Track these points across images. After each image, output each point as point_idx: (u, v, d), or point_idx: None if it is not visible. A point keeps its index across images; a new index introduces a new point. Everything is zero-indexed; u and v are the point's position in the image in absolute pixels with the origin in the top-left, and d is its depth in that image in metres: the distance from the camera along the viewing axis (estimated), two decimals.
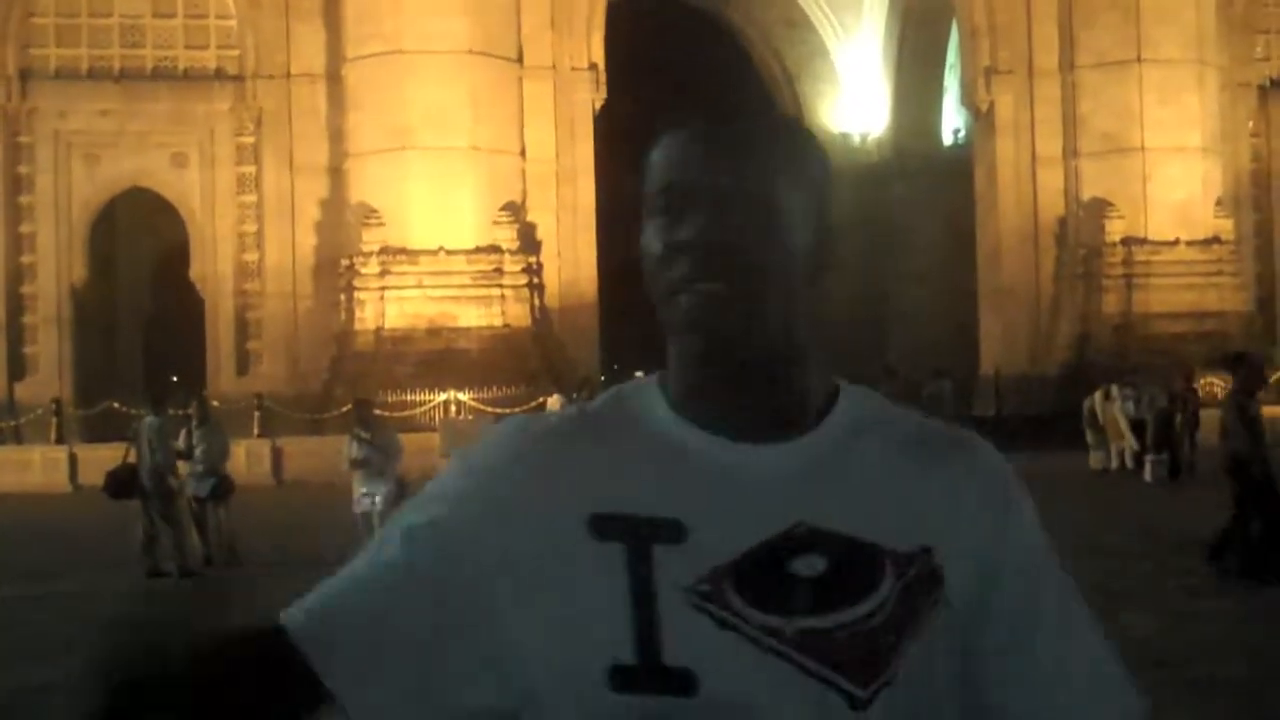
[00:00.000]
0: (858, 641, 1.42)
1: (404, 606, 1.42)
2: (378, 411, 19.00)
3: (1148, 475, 25.63)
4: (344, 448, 16.15)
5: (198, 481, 17.07)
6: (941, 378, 30.78)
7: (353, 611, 1.43)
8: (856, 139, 52.43)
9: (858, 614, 1.42)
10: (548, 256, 37.36)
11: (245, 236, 38.38)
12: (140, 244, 42.69)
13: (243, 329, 38.26)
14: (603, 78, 38.95)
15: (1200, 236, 39.66)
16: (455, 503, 1.48)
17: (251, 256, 38.34)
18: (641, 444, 1.48)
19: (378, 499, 15.33)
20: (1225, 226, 40.37)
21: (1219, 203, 40.48)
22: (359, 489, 15.64)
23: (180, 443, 17.27)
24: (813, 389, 1.52)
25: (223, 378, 36.83)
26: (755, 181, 1.47)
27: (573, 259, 38.10)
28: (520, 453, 1.49)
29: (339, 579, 1.47)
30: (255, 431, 31.62)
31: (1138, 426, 26.95)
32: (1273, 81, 44.73)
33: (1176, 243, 39.25)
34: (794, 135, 1.55)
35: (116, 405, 31.87)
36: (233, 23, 38.66)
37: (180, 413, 18.71)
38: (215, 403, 27.26)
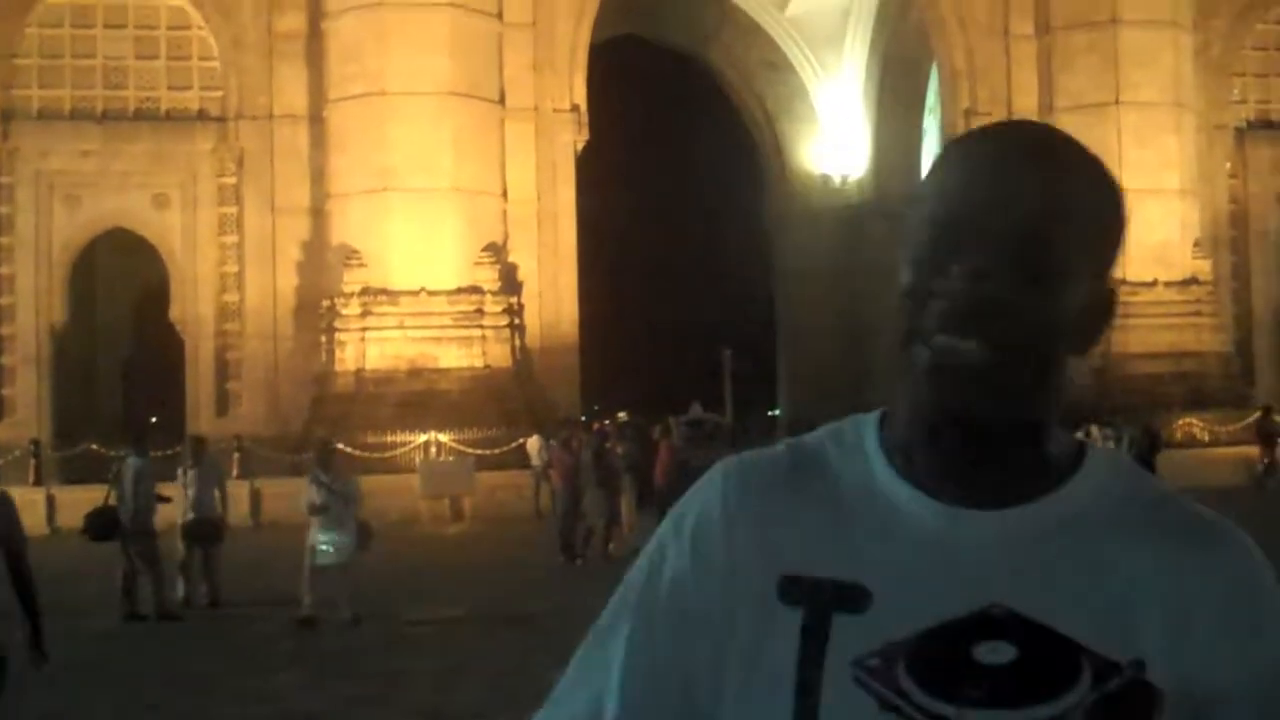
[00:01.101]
0: None
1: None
2: (355, 450, 18.82)
3: None
4: (303, 491, 15.72)
5: (187, 523, 16.95)
6: None
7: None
8: (837, 180, 52.61)
9: (1040, 716, 1.25)
10: (529, 297, 37.36)
11: (226, 277, 38.32)
12: (120, 285, 42.61)
13: (222, 370, 38.14)
14: (585, 119, 39.07)
15: (1178, 277, 39.87)
16: (670, 572, 1.38)
17: (232, 297, 38.27)
18: (845, 497, 1.36)
19: (335, 550, 15.01)
20: (1203, 267, 40.59)
21: (1197, 244, 40.71)
22: (316, 537, 15.14)
23: (178, 484, 17.23)
24: (1049, 457, 1.35)
25: (202, 418, 36.68)
26: (1042, 225, 1.29)
27: (554, 300, 38.11)
28: (724, 502, 1.37)
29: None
30: (234, 473, 31.48)
31: None
32: (1250, 124, 45.09)
33: (1155, 284, 39.44)
34: (1091, 167, 1.37)
35: (95, 447, 31.71)
36: (215, 64, 38.71)
37: (161, 454, 18.64)
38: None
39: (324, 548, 15.04)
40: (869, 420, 1.41)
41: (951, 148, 1.37)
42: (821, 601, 1.30)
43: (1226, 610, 1.31)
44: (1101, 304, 1.35)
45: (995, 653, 1.27)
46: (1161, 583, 1.30)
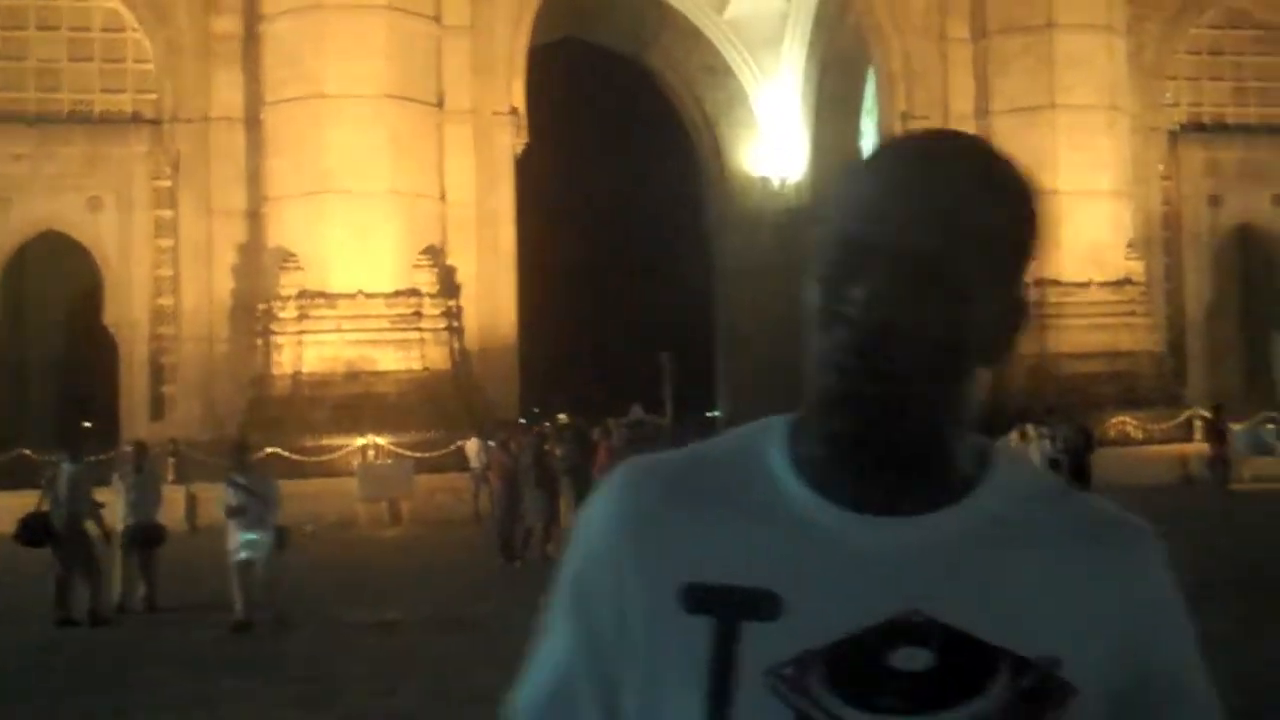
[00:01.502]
0: None
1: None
2: (292, 454, 18.71)
3: None
4: (214, 494, 15.59)
5: (128, 528, 16.81)
6: None
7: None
8: (776, 183, 52.82)
9: (954, 719, 1.25)
10: (468, 300, 37.26)
11: (161, 280, 38.00)
12: (53, 288, 42.10)
13: (157, 374, 37.81)
14: (524, 122, 39.04)
15: (1112, 278, 40.31)
16: (567, 579, 1.40)
17: (167, 301, 37.95)
18: (752, 504, 1.34)
19: (255, 549, 14.89)
20: (1136, 268, 41.06)
21: (1130, 245, 41.17)
22: (235, 538, 15.02)
23: (114, 488, 17.09)
24: (955, 464, 1.35)
25: (137, 423, 36.33)
26: (943, 245, 1.28)
27: (492, 303, 38.04)
28: (621, 511, 1.37)
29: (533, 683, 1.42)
30: (170, 477, 31.19)
31: (1054, 465, 27.27)
32: (1182, 126, 45.66)
33: (1089, 284, 39.85)
34: (1002, 179, 1.36)
35: (27, 452, 31.33)
36: (150, 67, 38.38)
37: (95, 459, 18.49)
38: (128, 448, 26.92)
39: (243, 550, 14.92)
40: (777, 426, 1.40)
41: (860, 163, 1.36)
42: (731, 609, 1.28)
43: (1131, 613, 1.33)
44: (1012, 313, 1.36)
45: (912, 659, 1.26)
46: (1070, 583, 1.31)
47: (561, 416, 36.36)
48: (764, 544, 1.31)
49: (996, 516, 1.33)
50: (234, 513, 15.12)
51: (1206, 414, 37.89)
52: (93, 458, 18.69)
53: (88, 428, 36.28)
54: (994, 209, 1.33)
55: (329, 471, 30.92)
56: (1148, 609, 1.34)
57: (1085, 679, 1.29)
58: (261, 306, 35.49)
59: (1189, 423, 38.04)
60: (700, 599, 1.30)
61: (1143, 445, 36.53)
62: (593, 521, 1.38)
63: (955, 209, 1.30)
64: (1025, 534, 1.33)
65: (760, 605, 1.28)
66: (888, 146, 1.38)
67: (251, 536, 14.96)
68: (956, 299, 1.29)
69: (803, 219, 51.62)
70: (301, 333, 34.68)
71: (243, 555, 14.93)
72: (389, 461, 31.83)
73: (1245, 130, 46.14)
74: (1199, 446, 36.09)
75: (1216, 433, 32.34)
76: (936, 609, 1.28)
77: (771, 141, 52.77)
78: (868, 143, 49.93)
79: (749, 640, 1.27)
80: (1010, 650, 1.27)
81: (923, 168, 1.33)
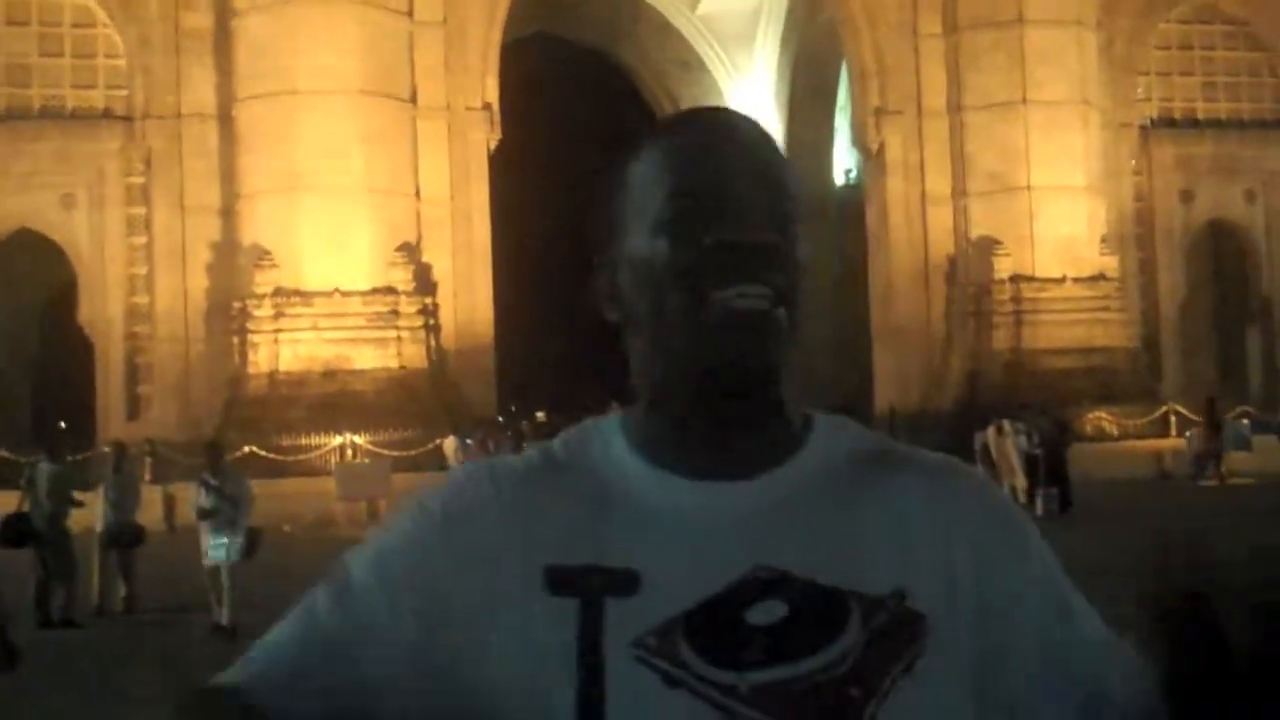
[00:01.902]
0: (820, 695, 1.29)
1: (340, 670, 1.35)
2: (269, 453, 18.63)
3: (1039, 508, 26.00)
4: (192, 495, 15.40)
5: (108, 528, 16.73)
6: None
7: (292, 679, 1.35)
8: None
9: (817, 665, 1.30)
10: (444, 297, 37.20)
11: (135, 279, 37.83)
12: (27, 287, 41.89)
13: (133, 373, 37.65)
14: (497, 118, 38.97)
15: (1086, 273, 40.47)
16: (406, 554, 1.38)
17: (142, 299, 37.78)
18: (600, 490, 1.38)
19: (228, 552, 14.80)
20: (1110, 264, 41.22)
21: (1103, 240, 41.34)
22: (207, 540, 14.73)
23: (98, 490, 17.01)
24: (791, 418, 1.41)
25: (112, 422, 36.18)
26: (782, 183, 1.38)
27: (469, 299, 37.97)
28: (480, 499, 1.39)
29: (277, 642, 1.38)
30: (147, 477, 31.07)
31: (1031, 460, 27.34)
32: (1153, 121, 45.87)
33: (1063, 280, 40.00)
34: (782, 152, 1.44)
35: (3, 453, 31.18)
36: (121, 62, 38.20)
37: (70, 459, 18.40)
38: (106, 449, 26.80)
39: (215, 549, 14.77)
40: (611, 420, 1.44)
41: (662, 134, 1.41)
42: (592, 588, 1.32)
43: (980, 526, 1.38)
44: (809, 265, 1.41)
45: (767, 613, 1.30)
46: (903, 520, 1.36)
47: (540, 414, 36.35)
48: (616, 525, 1.35)
49: (828, 468, 1.38)
50: (205, 514, 14.97)
51: (1181, 408, 38.11)
52: (71, 457, 18.60)
53: (63, 428, 36.11)
54: (790, 166, 1.41)
55: (306, 471, 30.83)
56: (997, 532, 1.39)
57: (934, 609, 1.33)
58: (237, 305, 35.37)
59: (1165, 418, 38.22)
60: (562, 580, 1.32)
61: (1118, 441, 36.69)
62: (446, 515, 1.39)
63: (778, 159, 1.39)
64: (855, 481, 1.38)
65: (619, 582, 1.31)
66: (682, 118, 1.44)
67: (221, 539, 14.77)
68: (798, 236, 1.36)
69: None
70: (277, 331, 34.58)
71: (211, 559, 14.78)
72: (366, 460, 31.73)
73: (1216, 125, 46.39)
74: (1175, 442, 36.28)
75: (1212, 425, 32.41)
76: (784, 562, 1.32)
77: None
78: (841, 138, 50.04)
79: (613, 616, 1.31)
80: (859, 591, 1.32)
81: (736, 127, 1.40)
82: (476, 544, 1.37)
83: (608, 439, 1.42)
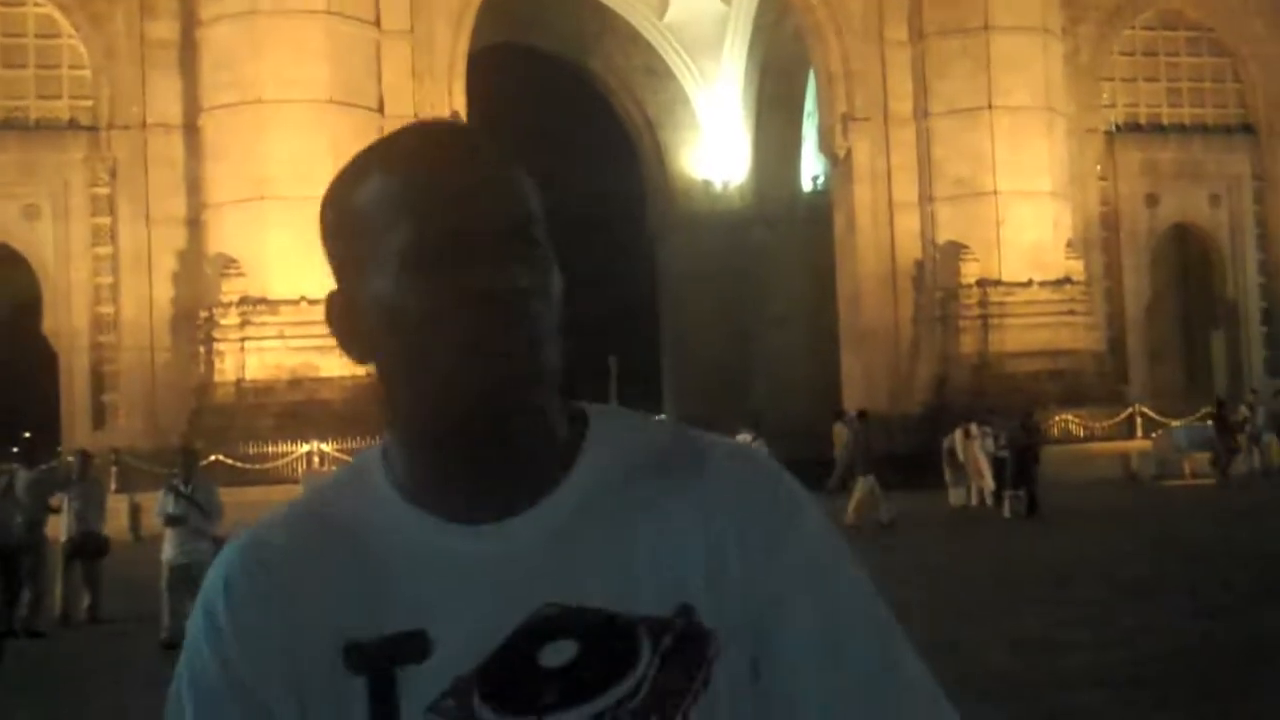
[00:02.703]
0: None
1: None
2: (236, 462, 18.51)
3: (1006, 511, 26.13)
4: (159, 501, 15.10)
5: (72, 538, 16.62)
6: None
7: None
8: (718, 186, 52.95)
9: (611, 700, 1.25)
10: None
11: (101, 289, 37.63)
12: None
13: (98, 383, 37.44)
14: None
15: (1052, 277, 40.63)
16: (198, 666, 1.33)
17: (107, 309, 37.59)
18: (371, 545, 1.31)
19: (190, 558, 14.08)
20: (1076, 268, 41.42)
21: (1069, 244, 41.53)
22: (170, 549, 14.53)
23: (59, 498, 16.92)
24: (555, 434, 1.34)
25: (78, 432, 35.97)
26: (522, 209, 1.30)
27: None
28: (255, 591, 1.32)
29: None
30: (113, 487, 30.91)
31: (998, 464, 27.47)
32: (1118, 127, 46.12)
33: (1029, 284, 40.15)
34: (503, 150, 1.34)
35: None
36: (86, 72, 38.00)
37: (42, 469, 18.36)
38: (69, 458, 26.72)
39: (180, 557, 14.43)
40: (371, 457, 1.37)
41: (388, 158, 1.31)
42: (381, 660, 1.26)
43: (751, 517, 1.32)
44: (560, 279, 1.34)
45: (559, 653, 1.26)
46: (676, 530, 1.31)
47: None
48: (393, 582, 1.29)
49: (600, 487, 1.32)
50: (172, 521, 14.75)
51: (1147, 410, 38.34)
52: (43, 466, 18.58)
53: (28, 437, 35.88)
54: (523, 177, 1.33)
55: (273, 479, 30.72)
56: (767, 520, 1.33)
57: (718, 619, 1.29)
58: (203, 314, 35.23)
59: (1130, 420, 38.44)
60: (354, 657, 1.27)
61: (1085, 443, 36.88)
62: (228, 611, 1.32)
63: (513, 176, 1.31)
64: (630, 497, 1.32)
65: (410, 648, 1.26)
66: (397, 139, 1.34)
67: (187, 548, 14.48)
68: (548, 263, 1.30)
69: (746, 221, 51.79)
70: (244, 339, 34.45)
71: (180, 561, 14.43)
72: (334, 468, 31.62)
73: (1181, 130, 46.65)
74: (1141, 443, 36.51)
75: (1223, 424, 32.56)
76: (568, 596, 1.27)
77: (713, 144, 52.89)
78: (809, 146, 50.17)
79: (408, 683, 1.26)
80: (647, 615, 1.27)
81: (461, 145, 1.32)
82: (258, 636, 1.30)
83: (367, 480, 1.35)
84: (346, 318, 1.33)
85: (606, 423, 1.38)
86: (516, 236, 1.29)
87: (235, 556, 1.35)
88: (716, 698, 1.27)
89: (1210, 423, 33.54)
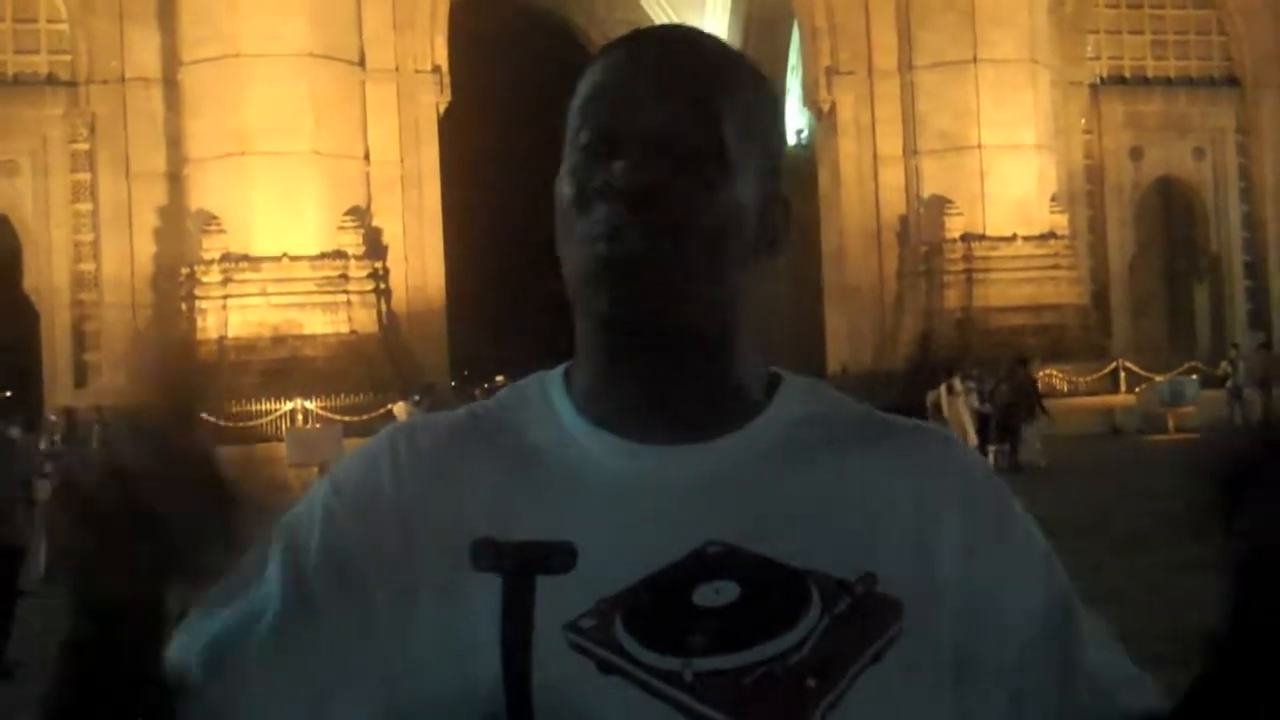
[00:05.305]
0: (771, 686, 1.16)
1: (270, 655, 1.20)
2: (219, 420, 18.50)
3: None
4: None
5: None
6: None
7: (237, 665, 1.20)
8: None
9: (770, 653, 1.17)
10: (394, 261, 36.99)
11: (81, 246, 37.43)
12: None
13: (80, 341, 37.30)
14: (447, 80, 38.69)
15: (1036, 232, 40.64)
16: (323, 529, 1.25)
17: (88, 266, 37.39)
18: (535, 452, 1.26)
19: None
20: (1060, 222, 41.42)
21: (1054, 199, 41.52)
22: None
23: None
24: (743, 381, 1.28)
25: (60, 391, 35.84)
26: (698, 123, 1.23)
27: (420, 263, 37.79)
28: (399, 466, 1.26)
29: (216, 621, 1.22)
30: (96, 446, 30.83)
31: (982, 419, 27.51)
32: (1103, 80, 46.03)
33: (1014, 238, 40.15)
34: (746, 73, 1.29)
35: None
36: (64, 26, 37.66)
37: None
38: (53, 417, 26.63)
39: None
40: (553, 374, 1.32)
41: (603, 56, 1.30)
42: (521, 565, 1.19)
43: (964, 502, 1.26)
44: (778, 206, 1.29)
45: (717, 594, 1.18)
46: (871, 495, 1.24)
47: (500, 378, 36.19)
48: (550, 492, 1.23)
49: (791, 435, 1.26)
50: None
51: (1131, 364, 38.41)
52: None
53: (9, 396, 35.77)
54: (744, 90, 1.28)
55: (257, 437, 30.62)
56: (982, 507, 1.28)
57: (910, 595, 1.21)
58: (184, 271, 35.07)
59: (1114, 374, 38.51)
60: (489, 556, 1.21)
61: (1069, 397, 36.95)
62: (357, 485, 1.27)
63: (707, 82, 1.25)
64: (821, 451, 1.26)
65: (553, 558, 1.19)
66: (624, 38, 1.32)
67: None
68: (714, 168, 1.23)
69: None
70: (226, 297, 34.31)
71: None
72: (318, 426, 31.58)
73: (1165, 83, 46.59)
74: (1125, 398, 36.56)
75: (1264, 379, 32.39)
76: (737, 538, 1.20)
77: None
78: (793, 100, 49.99)
79: (545, 594, 1.18)
80: (822, 572, 1.20)
81: (668, 48, 1.28)
82: (387, 515, 1.24)
83: (548, 395, 1.30)
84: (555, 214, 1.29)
85: (803, 383, 1.33)
86: (673, 130, 1.22)
87: (389, 432, 1.31)
88: (888, 674, 1.19)
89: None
